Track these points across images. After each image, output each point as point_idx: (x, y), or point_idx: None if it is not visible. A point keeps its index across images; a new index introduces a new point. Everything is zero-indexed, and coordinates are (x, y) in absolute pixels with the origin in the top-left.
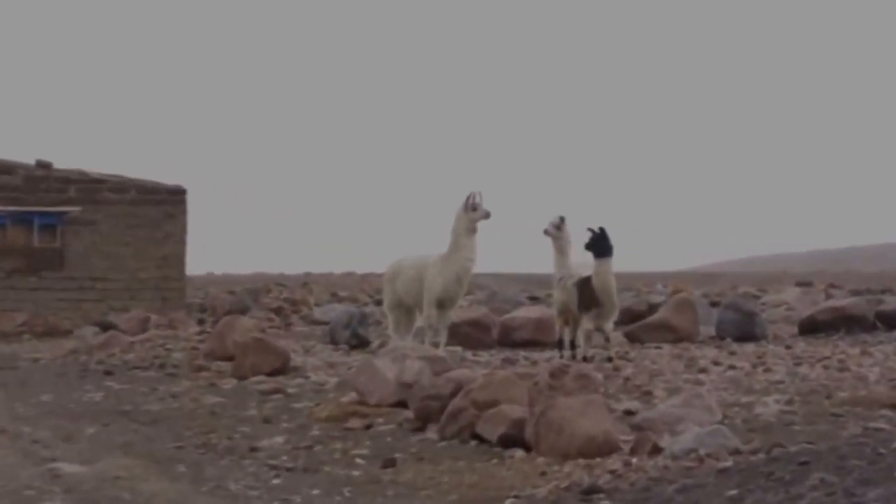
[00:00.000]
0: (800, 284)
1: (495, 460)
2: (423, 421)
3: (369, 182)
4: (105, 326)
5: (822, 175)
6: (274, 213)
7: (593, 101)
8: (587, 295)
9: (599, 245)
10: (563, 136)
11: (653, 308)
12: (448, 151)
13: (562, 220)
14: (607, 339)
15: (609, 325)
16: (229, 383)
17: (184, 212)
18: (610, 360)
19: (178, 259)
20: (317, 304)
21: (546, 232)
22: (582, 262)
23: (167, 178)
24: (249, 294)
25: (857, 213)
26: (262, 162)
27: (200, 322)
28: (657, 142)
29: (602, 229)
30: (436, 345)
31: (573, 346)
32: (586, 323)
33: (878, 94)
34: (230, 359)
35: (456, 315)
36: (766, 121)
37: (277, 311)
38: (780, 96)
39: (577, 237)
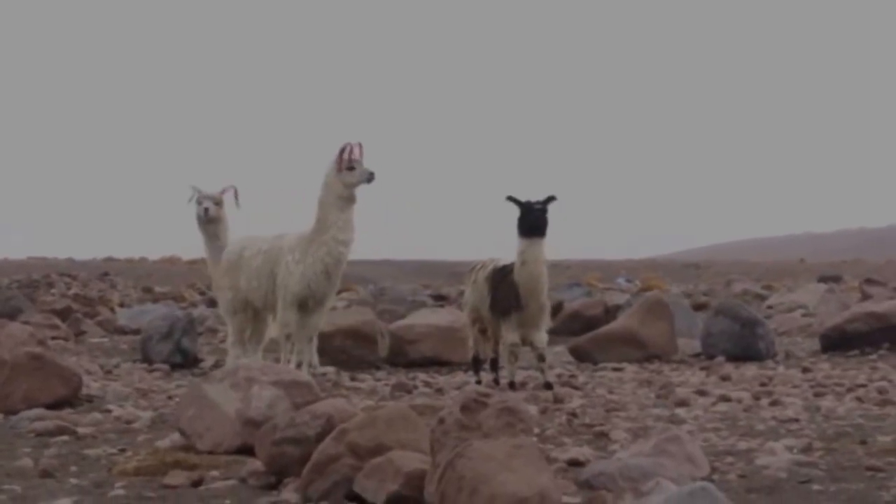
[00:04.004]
0: (823, 279)
1: None
2: (278, 475)
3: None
4: None
5: (853, 135)
6: (62, 175)
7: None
8: (504, 292)
9: (528, 219)
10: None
11: (611, 312)
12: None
13: (232, 192)
14: (541, 357)
15: (541, 337)
16: None
17: None
18: (549, 386)
19: None
20: (122, 305)
21: (199, 216)
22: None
23: None
24: (22, 289)
25: None
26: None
27: None
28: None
29: (551, 198)
30: (297, 364)
31: (495, 366)
32: (508, 334)
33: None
34: None
35: (326, 322)
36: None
37: (64, 313)
38: (774, 70)
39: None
